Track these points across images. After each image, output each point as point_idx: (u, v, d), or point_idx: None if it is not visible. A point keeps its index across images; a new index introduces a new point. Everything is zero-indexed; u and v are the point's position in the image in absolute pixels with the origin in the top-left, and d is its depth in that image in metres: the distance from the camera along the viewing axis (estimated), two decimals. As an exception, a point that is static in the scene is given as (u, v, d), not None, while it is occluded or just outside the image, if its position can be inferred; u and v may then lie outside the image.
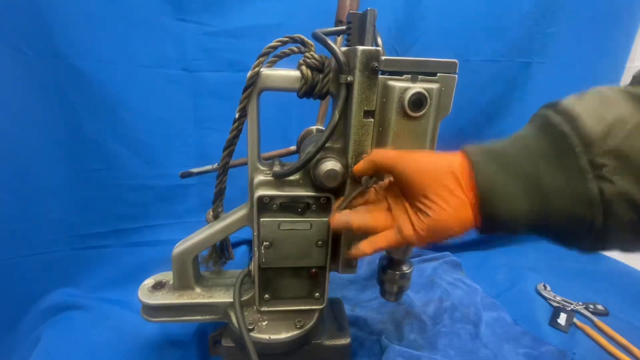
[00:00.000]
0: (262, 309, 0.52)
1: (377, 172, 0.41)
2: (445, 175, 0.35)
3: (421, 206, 0.36)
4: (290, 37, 0.45)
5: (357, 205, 0.44)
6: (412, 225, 0.37)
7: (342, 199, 0.45)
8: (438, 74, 0.41)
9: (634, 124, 0.28)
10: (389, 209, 0.41)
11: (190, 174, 0.62)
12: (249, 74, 0.43)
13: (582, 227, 0.30)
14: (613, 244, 0.31)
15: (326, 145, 0.43)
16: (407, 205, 0.38)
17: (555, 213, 0.31)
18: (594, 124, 0.29)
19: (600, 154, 0.28)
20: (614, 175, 0.28)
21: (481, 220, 0.34)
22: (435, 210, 0.35)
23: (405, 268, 0.49)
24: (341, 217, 0.41)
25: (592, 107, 0.30)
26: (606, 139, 0.28)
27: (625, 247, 0.31)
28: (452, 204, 0.34)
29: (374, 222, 0.40)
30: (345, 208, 0.44)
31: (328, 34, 0.47)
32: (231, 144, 0.48)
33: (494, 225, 0.33)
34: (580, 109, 0.30)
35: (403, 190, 0.39)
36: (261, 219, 0.46)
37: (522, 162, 0.32)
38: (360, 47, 0.40)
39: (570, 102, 0.32)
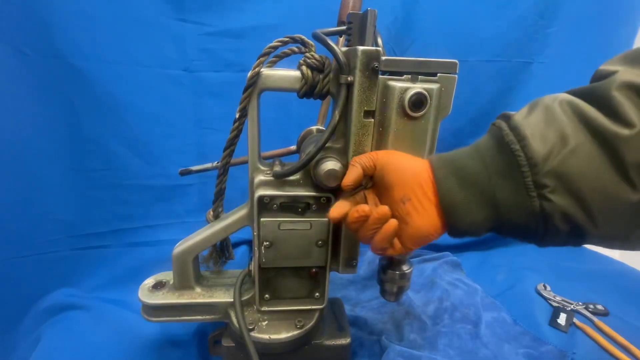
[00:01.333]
0: (262, 308, 0.52)
1: (365, 176, 0.42)
2: (424, 177, 0.37)
3: (401, 213, 0.37)
4: (290, 37, 0.45)
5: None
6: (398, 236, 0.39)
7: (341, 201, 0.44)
8: (438, 74, 0.41)
9: (572, 146, 0.31)
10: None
11: (190, 172, 0.62)
12: (250, 74, 0.43)
13: (529, 233, 0.35)
14: (555, 244, 0.35)
15: (326, 145, 0.43)
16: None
17: (507, 222, 0.35)
18: (538, 145, 0.32)
19: (543, 174, 0.31)
20: (554, 194, 0.31)
21: (447, 228, 0.37)
22: (413, 217, 0.37)
23: (405, 268, 0.49)
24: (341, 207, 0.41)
25: (538, 126, 0.33)
26: (547, 160, 0.31)
27: (567, 245, 0.36)
28: (428, 209, 0.37)
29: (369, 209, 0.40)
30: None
31: (328, 34, 0.47)
32: (231, 144, 0.48)
33: (457, 232, 0.37)
34: (528, 128, 0.33)
35: (382, 193, 0.40)
36: (261, 219, 0.46)
37: (479, 177, 0.35)
38: (361, 48, 0.40)
39: (521, 118, 0.34)
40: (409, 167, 0.38)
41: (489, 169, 0.35)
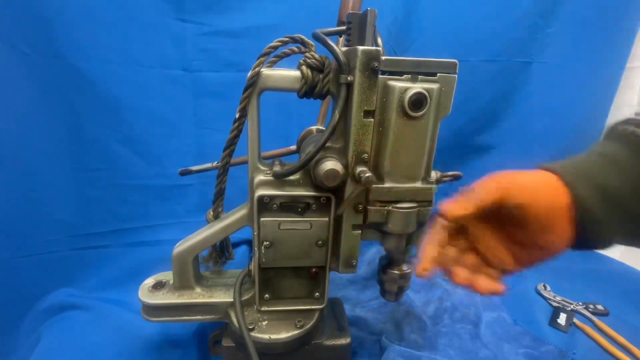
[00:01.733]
0: (262, 308, 0.52)
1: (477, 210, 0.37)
2: (558, 195, 0.34)
3: (542, 242, 0.36)
4: (290, 37, 0.45)
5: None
6: (518, 259, 0.38)
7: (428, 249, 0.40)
8: (438, 74, 0.41)
9: None
10: (470, 243, 0.40)
11: (190, 172, 0.62)
12: (250, 74, 0.43)
13: None
14: None
15: (326, 145, 0.43)
16: (502, 238, 0.38)
17: None
18: None
19: None
20: None
21: (577, 243, 0.35)
22: (553, 244, 0.35)
23: (405, 268, 0.49)
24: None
25: None
26: None
27: None
28: (567, 229, 0.35)
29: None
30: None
31: (328, 34, 0.47)
32: (231, 144, 0.48)
33: (589, 247, 0.35)
34: None
35: (507, 224, 0.38)
36: (261, 219, 0.46)
37: (621, 193, 0.33)
38: (361, 47, 0.40)
39: None
40: (541, 190, 0.35)
41: (634, 183, 0.32)
